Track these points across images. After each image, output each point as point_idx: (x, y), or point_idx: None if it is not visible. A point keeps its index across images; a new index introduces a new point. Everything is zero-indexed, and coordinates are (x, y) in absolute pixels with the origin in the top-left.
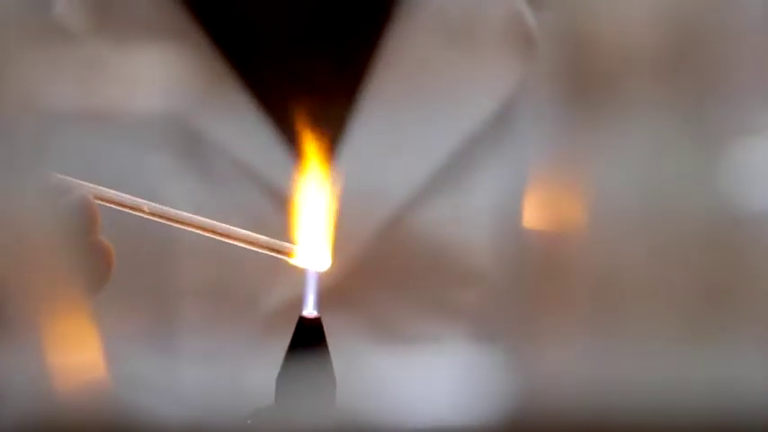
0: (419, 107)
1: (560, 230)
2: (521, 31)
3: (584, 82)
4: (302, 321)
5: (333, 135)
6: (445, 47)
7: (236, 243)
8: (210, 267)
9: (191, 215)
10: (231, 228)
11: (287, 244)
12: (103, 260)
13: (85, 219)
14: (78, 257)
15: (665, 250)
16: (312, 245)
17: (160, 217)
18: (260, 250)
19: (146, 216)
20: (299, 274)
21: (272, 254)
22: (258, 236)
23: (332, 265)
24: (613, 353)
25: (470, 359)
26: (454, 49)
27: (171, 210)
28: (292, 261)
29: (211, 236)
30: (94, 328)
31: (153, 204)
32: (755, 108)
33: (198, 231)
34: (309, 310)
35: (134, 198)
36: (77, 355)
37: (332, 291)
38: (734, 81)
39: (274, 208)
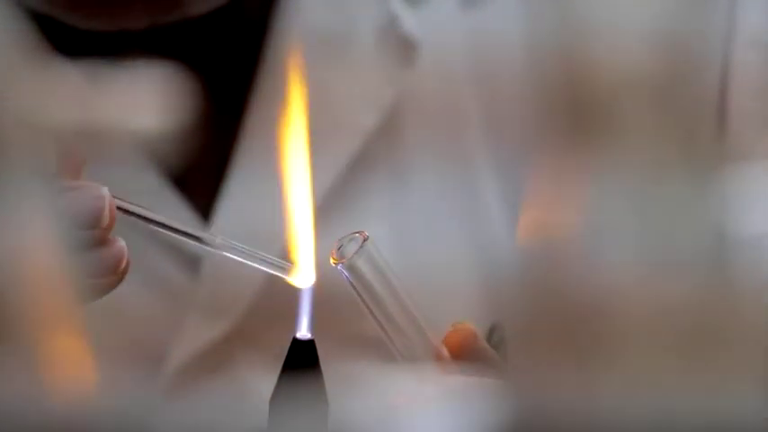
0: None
1: (553, 257)
2: (397, 36)
3: (577, 108)
4: (295, 343)
5: (215, 169)
6: (320, 63)
7: (237, 259)
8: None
9: (194, 229)
10: (233, 242)
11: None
12: (112, 260)
13: (90, 209)
14: (80, 255)
15: (659, 278)
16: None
17: (166, 228)
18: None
19: (154, 228)
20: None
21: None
22: (259, 252)
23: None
24: (604, 382)
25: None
26: (329, 65)
27: (177, 223)
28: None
29: (211, 250)
30: (85, 341)
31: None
32: (750, 135)
33: (198, 245)
34: (303, 333)
35: (145, 210)
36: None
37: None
38: (729, 108)
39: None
